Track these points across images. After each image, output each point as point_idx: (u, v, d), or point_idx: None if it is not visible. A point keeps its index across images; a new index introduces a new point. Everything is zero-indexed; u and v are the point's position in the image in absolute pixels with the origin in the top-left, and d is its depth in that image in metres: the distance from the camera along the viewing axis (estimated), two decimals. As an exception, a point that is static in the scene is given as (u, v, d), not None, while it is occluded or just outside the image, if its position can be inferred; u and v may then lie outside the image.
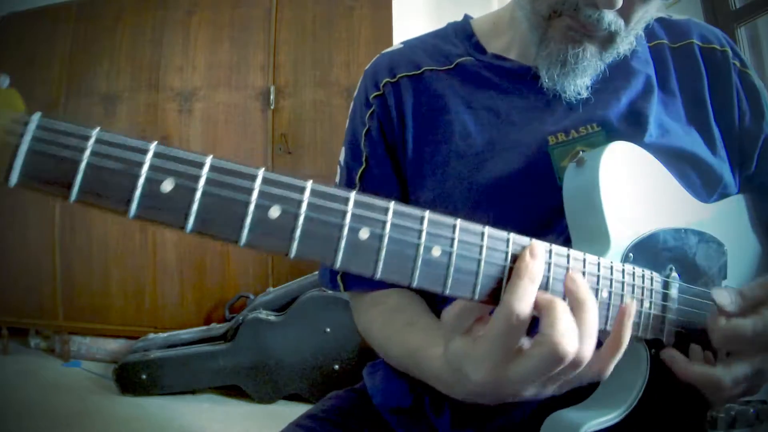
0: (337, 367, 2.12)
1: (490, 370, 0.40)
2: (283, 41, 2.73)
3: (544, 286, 0.41)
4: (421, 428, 0.66)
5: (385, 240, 0.35)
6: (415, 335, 0.57)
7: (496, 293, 0.39)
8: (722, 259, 0.59)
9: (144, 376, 2.19)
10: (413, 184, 0.69)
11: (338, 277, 0.71)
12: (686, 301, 0.53)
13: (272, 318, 2.19)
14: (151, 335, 2.46)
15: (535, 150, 0.63)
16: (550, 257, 0.42)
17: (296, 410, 0.73)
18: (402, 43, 0.78)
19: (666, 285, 0.52)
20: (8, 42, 2.89)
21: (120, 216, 0.30)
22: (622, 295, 0.47)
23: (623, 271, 0.48)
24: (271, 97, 2.68)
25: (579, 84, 0.62)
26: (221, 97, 2.74)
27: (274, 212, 0.32)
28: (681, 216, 0.58)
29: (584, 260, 0.44)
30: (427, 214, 0.37)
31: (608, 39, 0.60)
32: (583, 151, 0.60)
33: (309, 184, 0.33)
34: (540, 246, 0.41)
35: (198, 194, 0.31)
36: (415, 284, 0.36)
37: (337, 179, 0.76)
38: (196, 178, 0.31)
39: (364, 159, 0.71)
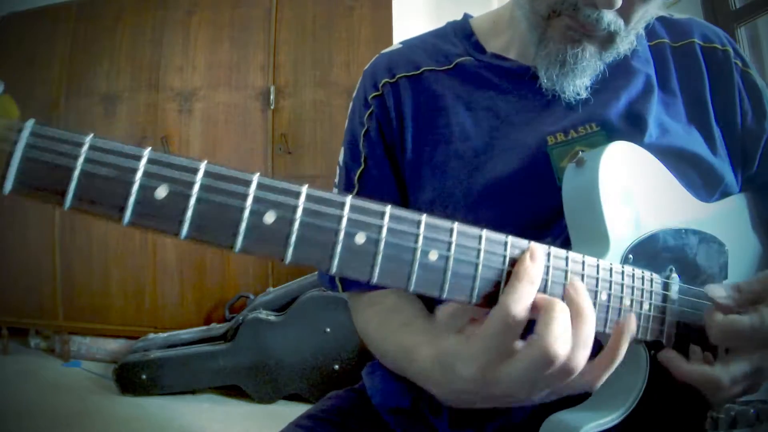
0: (337, 367, 2.12)
1: (480, 368, 0.40)
2: (283, 41, 2.72)
3: (543, 289, 0.41)
4: (420, 428, 0.66)
5: (382, 244, 0.35)
6: (411, 336, 0.57)
7: (494, 297, 0.39)
8: (723, 258, 0.59)
9: (144, 376, 2.19)
10: (412, 184, 0.69)
11: (336, 278, 0.71)
12: (686, 302, 0.53)
13: (272, 318, 2.19)
14: (151, 335, 2.46)
15: (535, 150, 0.62)
16: (548, 260, 0.41)
17: (296, 410, 0.73)
18: (401, 42, 0.77)
19: (666, 286, 0.52)
20: (8, 42, 2.89)
21: (114, 223, 0.30)
22: (621, 297, 0.47)
23: (623, 272, 0.47)
24: (271, 97, 2.68)
25: (578, 84, 0.62)
26: (221, 97, 2.73)
27: (269, 218, 0.32)
28: (681, 216, 0.58)
29: (583, 262, 0.44)
30: (424, 217, 0.36)
31: (608, 39, 0.59)
32: (582, 151, 0.60)
33: (304, 189, 0.33)
34: (540, 249, 0.40)
35: (192, 200, 0.31)
36: (411, 289, 0.36)
37: (337, 179, 0.75)
38: (191, 184, 0.31)
39: (362, 159, 0.71)
